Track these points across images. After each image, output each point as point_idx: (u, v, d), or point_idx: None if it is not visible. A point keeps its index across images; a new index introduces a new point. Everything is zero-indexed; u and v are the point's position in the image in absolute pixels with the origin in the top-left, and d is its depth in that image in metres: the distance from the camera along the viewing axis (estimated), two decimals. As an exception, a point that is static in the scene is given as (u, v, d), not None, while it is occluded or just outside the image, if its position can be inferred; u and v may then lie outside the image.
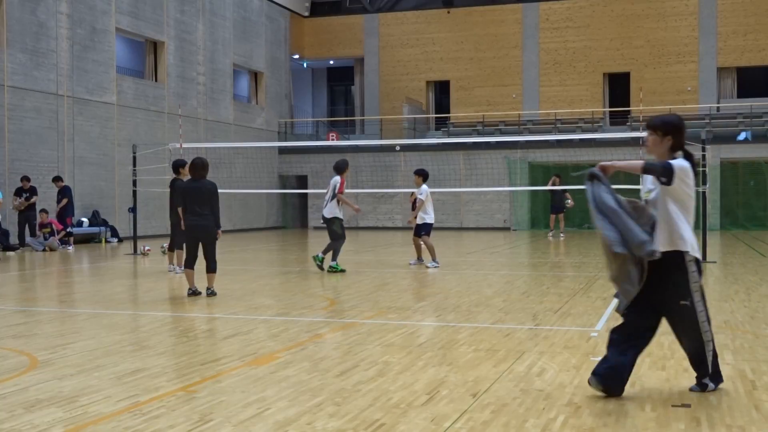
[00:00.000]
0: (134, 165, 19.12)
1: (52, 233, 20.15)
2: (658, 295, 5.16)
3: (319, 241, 24.72)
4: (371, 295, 10.68)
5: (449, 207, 30.82)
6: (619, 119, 32.41)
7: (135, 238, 18.81)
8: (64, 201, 20.66)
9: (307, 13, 36.33)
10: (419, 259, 14.88)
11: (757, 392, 5.24)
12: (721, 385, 5.34)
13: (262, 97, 32.81)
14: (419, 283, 12.32)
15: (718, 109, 31.56)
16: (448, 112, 34.74)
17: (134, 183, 19.17)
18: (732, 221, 28.69)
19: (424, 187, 14.58)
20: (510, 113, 33.45)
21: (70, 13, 22.72)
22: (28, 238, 20.09)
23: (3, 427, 4.53)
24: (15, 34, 21.03)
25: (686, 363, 6.11)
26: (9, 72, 20.82)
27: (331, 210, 13.10)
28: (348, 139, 33.83)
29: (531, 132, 31.33)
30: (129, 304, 10.24)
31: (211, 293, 10.30)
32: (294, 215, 34.42)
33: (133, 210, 19.45)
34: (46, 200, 21.14)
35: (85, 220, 23.00)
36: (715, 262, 15.35)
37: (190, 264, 10.43)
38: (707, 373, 5.25)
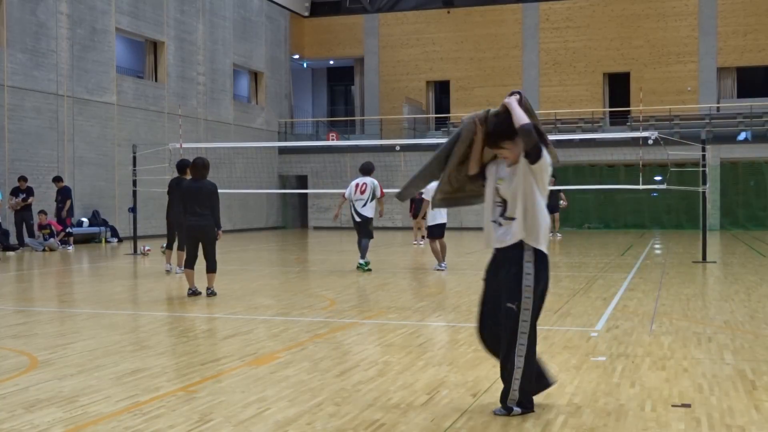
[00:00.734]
0: (134, 165, 19.12)
1: (51, 234, 20.14)
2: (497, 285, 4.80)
3: (319, 240, 24.72)
4: (371, 295, 10.68)
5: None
6: (619, 119, 32.41)
7: (135, 238, 18.81)
8: (68, 203, 20.64)
9: (307, 13, 36.33)
10: (442, 263, 13.82)
11: (757, 392, 5.24)
12: (721, 385, 5.34)
13: (262, 97, 32.81)
14: (419, 283, 12.32)
15: (718, 109, 31.56)
16: (448, 112, 34.74)
17: (134, 183, 19.16)
18: (732, 221, 28.69)
19: (432, 185, 14.11)
20: (510, 113, 33.38)
21: (70, 13, 22.72)
22: (27, 239, 20.08)
23: (3, 427, 4.53)
24: (15, 34, 21.03)
25: (686, 363, 6.11)
26: (9, 72, 20.82)
27: (370, 210, 13.56)
28: (348, 139, 33.83)
29: (531, 132, 31.27)
30: (129, 304, 10.24)
31: (211, 293, 10.30)
32: (294, 215, 34.42)
33: (133, 210, 19.44)
34: (46, 200, 21.14)
35: (85, 220, 23.00)
36: (715, 262, 15.35)
37: (190, 264, 10.43)
38: (508, 393, 4.67)
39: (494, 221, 4.87)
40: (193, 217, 10.28)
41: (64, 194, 20.90)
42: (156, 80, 26.69)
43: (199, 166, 10.38)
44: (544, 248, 4.73)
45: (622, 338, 7.17)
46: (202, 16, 28.49)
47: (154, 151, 21.56)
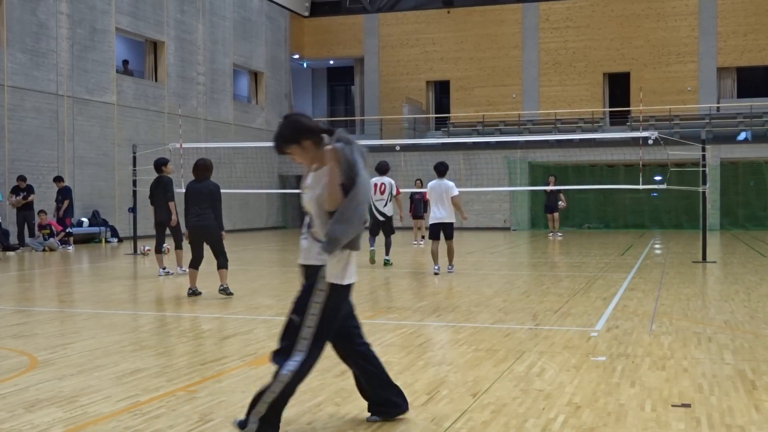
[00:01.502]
0: (134, 165, 19.12)
1: (51, 234, 20.15)
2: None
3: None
4: (371, 295, 10.68)
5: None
6: (619, 119, 32.42)
7: (135, 238, 18.81)
8: (66, 203, 20.64)
9: (307, 13, 36.33)
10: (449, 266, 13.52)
11: (757, 392, 5.24)
12: (721, 385, 5.33)
13: (262, 97, 32.81)
14: (419, 283, 12.31)
15: (718, 109, 31.56)
16: (448, 112, 34.74)
17: (134, 183, 19.16)
18: (732, 221, 28.69)
19: (432, 182, 13.36)
20: (510, 113, 33.45)
21: (70, 13, 22.73)
22: (27, 239, 20.09)
23: (3, 427, 4.53)
24: (15, 34, 21.03)
25: (686, 363, 6.11)
26: (9, 72, 20.82)
27: (390, 209, 14.59)
28: (348, 139, 33.78)
29: (531, 132, 31.33)
30: (129, 304, 10.24)
31: (224, 290, 10.13)
32: (294, 215, 34.40)
33: (133, 210, 19.44)
34: (46, 200, 21.15)
35: (85, 220, 23.00)
36: (715, 262, 15.35)
37: (194, 264, 10.37)
38: (257, 403, 4.18)
39: (303, 234, 4.37)
40: (195, 218, 10.24)
41: (64, 194, 20.91)
42: (156, 80, 26.69)
43: (201, 167, 10.34)
44: (342, 281, 4.21)
45: (622, 338, 7.17)
46: (202, 16, 28.49)
47: (154, 151, 21.53)
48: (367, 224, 4.20)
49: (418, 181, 23.66)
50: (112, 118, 24.36)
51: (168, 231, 13.36)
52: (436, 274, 13.15)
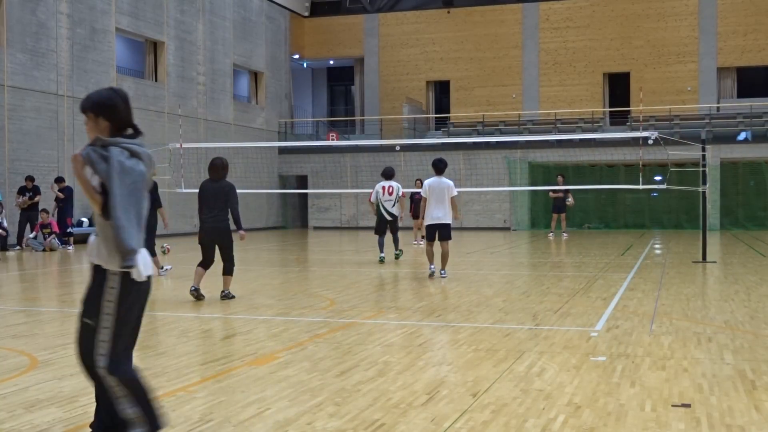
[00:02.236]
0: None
1: (51, 233, 20.14)
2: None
3: (319, 240, 24.72)
4: (371, 295, 10.68)
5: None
6: (619, 119, 32.42)
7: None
8: (58, 207, 20.74)
9: (307, 13, 36.33)
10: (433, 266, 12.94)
11: (757, 392, 5.24)
12: (721, 385, 5.33)
13: (262, 97, 32.81)
14: (419, 283, 12.31)
15: (718, 109, 31.56)
16: (448, 112, 34.74)
17: (134, 183, 19.12)
18: (732, 221, 28.69)
19: (429, 180, 12.72)
20: (510, 113, 33.45)
21: (70, 13, 22.72)
22: (30, 239, 20.08)
23: (3, 427, 4.53)
24: (15, 34, 21.03)
25: (686, 363, 6.11)
26: (9, 72, 20.82)
27: (398, 209, 15.81)
28: (348, 139, 33.83)
29: (531, 132, 31.33)
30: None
31: (226, 296, 9.97)
32: (294, 215, 34.42)
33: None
34: (46, 200, 21.15)
35: (85, 220, 22.99)
36: (715, 262, 15.35)
37: (203, 264, 10.10)
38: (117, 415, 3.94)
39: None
40: (209, 219, 9.96)
41: (65, 195, 20.92)
42: (156, 80, 26.69)
43: (219, 166, 10.02)
44: (133, 273, 3.90)
45: (622, 338, 7.17)
46: (202, 16, 28.48)
47: (154, 151, 21.49)
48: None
49: (418, 181, 23.64)
50: (112, 118, 24.34)
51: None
52: (431, 275, 12.56)
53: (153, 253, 13.03)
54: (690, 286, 11.44)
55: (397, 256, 16.11)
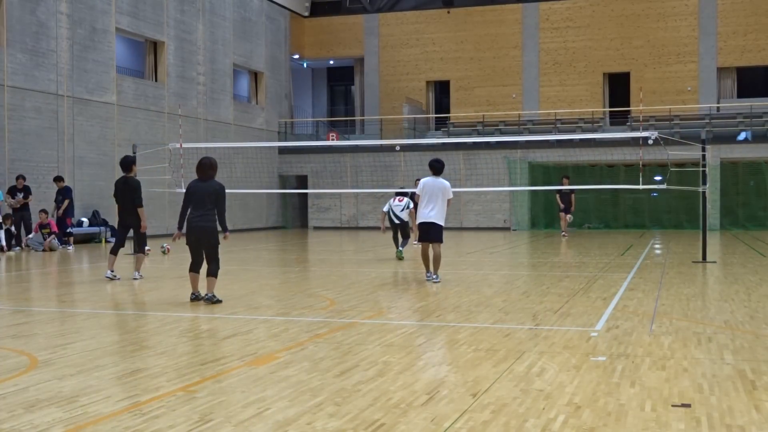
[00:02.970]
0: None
1: (51, 233, 20.13)
2: None
3: (319, 240, 24.72)
4: (371, 295, 10.68)
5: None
6: (619, 119, 32.42)
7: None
8: (65, 203, 20.66)
9: (307, 13, 36.33)
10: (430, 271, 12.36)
11: (757, 392, 5.24)
12: (721, 385, 5.33)
13: (262, 97, 32.81)
14: (419, 283, 12.31)
15: (718, 109, 31.56)
16: (448, 112, 34.74)
17: (134, 183, 19.11)
18: (732, 221, 28.69)
19: (424, 179, 12.43)
20: (510, 113, 33.45)
21: (70, 13, 22.72)
22: (29, 239, 20.07)
23: (3, 427, 4.53)
24: (15, 34, 21.03)
25: (686, 363, 6.11)
26: (9, 72, 20.82)
27: (406, 215, 16.87)
28: (348, 139, 33.83)
29: (531, 132, 31.33)
30: (129, 304, 10.24)
31: (210, 299, 9.64)
32: (294, 215, 34.42)
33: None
34: (46, 200, 21.15)
35: (85, 220, 23.01)
36: (715, 262, 15.35)
37: (194, 267, 9.92)
38: None
39: None
40: (195, 218, 9.77)
41: (64, 194, 20.92)
42: (156, 80, 26.69)
43: (207, 165, 9.85)
44: None
45: (622, 338, 7.17)
46: (202, 16, 28.48)
47: (154, 151, 21.55)
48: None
49: (418, 181, 23.66)
50: (112, 118, 24.36)
51: (131, 234, 12.72)
52: (428, 280, 12.07)
53: (141, 251, 12.81)
54: (690, 286, 11.44)
55: (399, 254, 16.52)
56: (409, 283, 12.38)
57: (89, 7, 23.42)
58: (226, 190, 10.08)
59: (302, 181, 33.46)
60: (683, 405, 4.92)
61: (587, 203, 29.94)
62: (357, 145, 30.98)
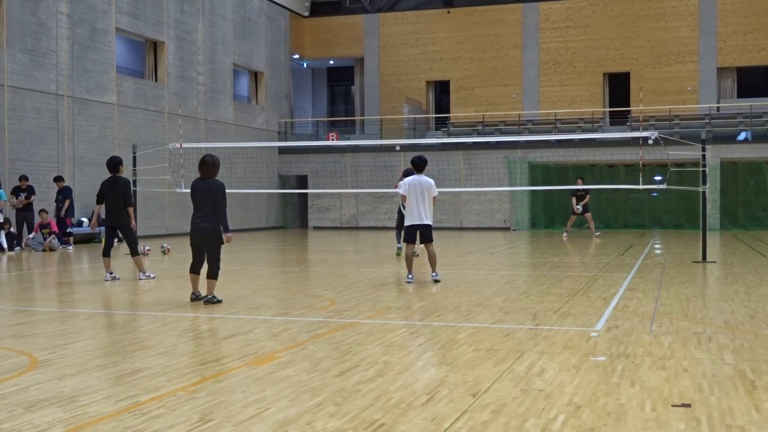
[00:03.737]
0: (134, 165, 19.11)
1: (51, 233, 20.14)
2: None
3: (319, 240, 24.72)
4: (371, 295, 10.68)
5: (449, 207, 30.83)
6: (619, 119, 32.42)
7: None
8: (67, 203, 20.68)
9: (307, 13, 36.33)
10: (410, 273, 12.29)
11: (757, 392, 5.24)
12: (721, 385, 5.33)
13: (262, 97, 32.81)
14: (419, 283, 12.30)
15: (718, 109, 31.56)
16: (448, 112, 34.74)
17: (134, 183, 19.12)
18: (732, 221, 28.69)
19: (409, 178, 12.10)
20: (510, 113, 33.46)
21: (70, 13, 22.72)
22: (29, 239, 20.08)
23: (3, 427, 4.53)
24: (15, 34, 21.03)
25: (686, 363, 6.11)
26: (9, 72, 20.82)
27: None
28: (348, 139, 33.83)
29: (531, 132, 31.33)
30: (129, 304, 10.23)
31: (209, 300, 9.60)
32: (294, 215, 34.42)
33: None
34: (46, 200, 21.15)
35: (85, 220, 22.99)
36: (715, 262, 15.35)
37: (194, 268, 9.88)
38: None
39: None
40: (197, 219, 9.71)
41: (64, 194, 20.92)
42: (156, 80, 26.69)
43: (209, 164, 9.70)
44: None
45: (622, 338, 7.17)
46: (202, 16, 28.48)
47: (154, 151, 21.55)
48: None
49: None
50: (112, 118, 24.36)
51: (120, 235, 12.63)
52: (409, 282, 11.85)
53: (135, 253, 12.70)
54: (690, 286, 11.43)
55: (399, 252, 16.63)
56: (409, 283, 12.37)
57: (89, 7, 23.42)
58: (227, 191, 10.04)
59: (302, 181, 33.46)
60: (683, 405, 4.92)
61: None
62: (357, 145, 30.98)
